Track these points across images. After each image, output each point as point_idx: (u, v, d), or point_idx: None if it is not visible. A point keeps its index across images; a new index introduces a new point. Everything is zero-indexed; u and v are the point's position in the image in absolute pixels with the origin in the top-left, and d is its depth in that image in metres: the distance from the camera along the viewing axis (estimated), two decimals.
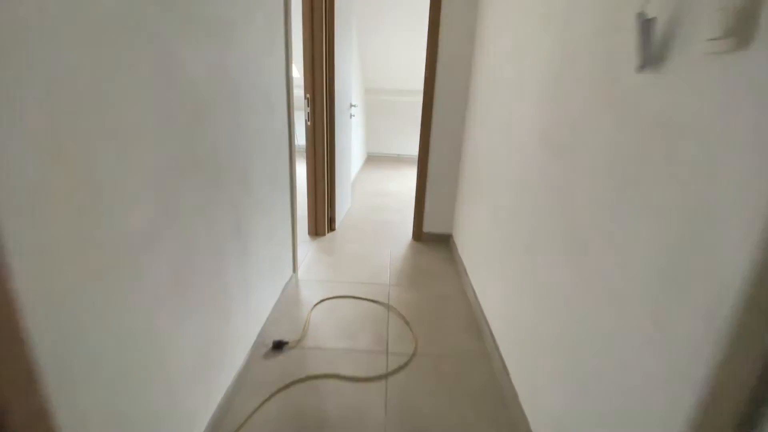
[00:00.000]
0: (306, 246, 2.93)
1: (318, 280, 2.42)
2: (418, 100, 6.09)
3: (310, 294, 2.25)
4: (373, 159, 6.55)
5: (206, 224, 1.20)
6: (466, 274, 2.41)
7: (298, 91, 5.76)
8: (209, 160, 1.20)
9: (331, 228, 3.30)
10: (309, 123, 2.88)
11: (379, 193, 4.47)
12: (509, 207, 1.68)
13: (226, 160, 1.32)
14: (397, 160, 6.59)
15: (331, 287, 2.33)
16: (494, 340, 1.77)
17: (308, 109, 2.83)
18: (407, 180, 5.17)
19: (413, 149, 6.60)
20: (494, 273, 1.86)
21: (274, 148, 1.84)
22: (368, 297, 2.23)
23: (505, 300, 1.68)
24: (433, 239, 3.15)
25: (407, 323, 1.99)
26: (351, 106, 3.56)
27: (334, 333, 1.90)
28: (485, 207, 2.09)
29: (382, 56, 5.45)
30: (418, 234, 3.15)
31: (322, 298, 2.19)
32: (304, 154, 2.99)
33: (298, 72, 5.15)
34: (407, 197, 4.33)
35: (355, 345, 1.82)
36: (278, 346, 1.76)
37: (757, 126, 0.58)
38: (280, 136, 1.92)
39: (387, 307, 2.14)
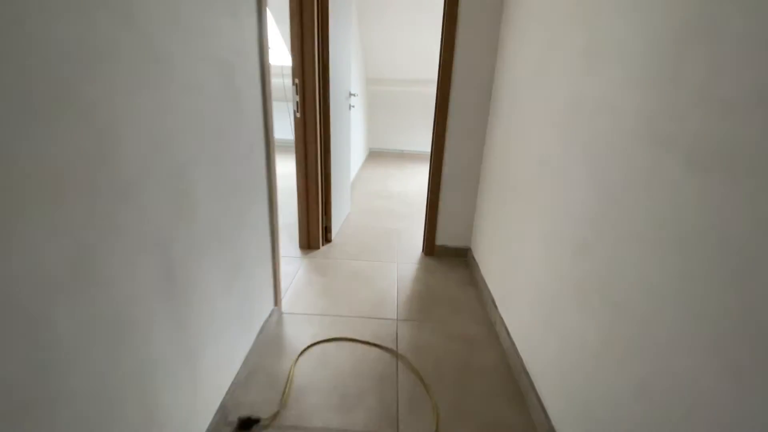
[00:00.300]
0: (296, 264, 2.42)
1: (307, 313, 1.92)
2: (425, 90, 5.56)
3: (295, 335, 1.74)
4: (374, 155, 6.03)
5: (84, 286, 0.70)
6: (495, 306, 1.90)
7: (285, 80, 5.18)
8: (94, 171, 0.69)
9: (327, 239, 2.79)
10: (298, 115, 2.37)
11: (382, 195, 3.95)
12: (578, 236, 1.17)
13: (139, 170, 0.81)
14: (400, 156, 6.06)
15: (324, 324, 1.83)
16: (546, 417, 1.27)
17: (297, 98, 2.31)
18: (413, 179, 4.65)
19: (418, 144, 6.08)
20: (545, 319, 1.35)
21: (242, 147, 1.32)
22: (371, 340, 1.73)
23: (567, 366, 1.17)
24: (447, 254, 2.64)
25: (423, 382, 1.49)
26: (350, 95, 3.04)
27: (324, 400, 1.39)
28: (526, 225, 1.57)
29: (386, 42, 4.90)
30: (430, 247, 2.64)
31: (310, 342, 1.69)
32: (294, 151, 2.48)
33: (286, 47, 4.62)
34: (413, 199, 3.82)
35: (353, 421, 1.32)
36: (246, 425, 1.26)
37: None
38: (251, 131, 1.40)
39: (396, 355, 1.64)
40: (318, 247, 2.67)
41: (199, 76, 1.02)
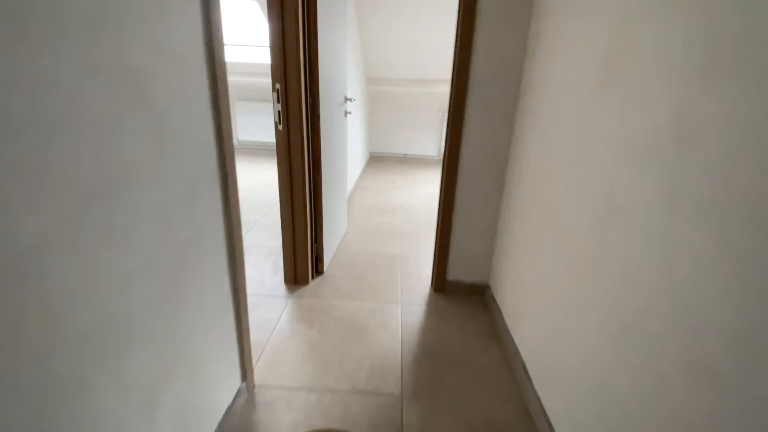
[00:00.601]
0: (279, 306, 2.00)
1: (287, 387, 1.49)
2: (431, 90, 5.11)
3: (269, 426, 1.32)
4: (375, 160, 5.60)
5: None
6: (527, 376, 1.48)
7: (264, 80, 4.66)
8: None
9: (318, 271, 2.37)
10: (281, 127, 1.94)
11: (383, 209, 3.52)
12: (697, 349, 0.75)
13: None
14: (403, 160, 5.62)
15: (307, 404, 1.41)
16: None
17: (278, 107, 1.89)
18: (417, 188, 4.21)
19: (422, 148, 5.64)
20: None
21: (170, 196, 0.90)
22: None
23: None
24: (461, 291, 2.21)
25: None
26: (346, 100, 2.61)
27: None
28: (581, 292, 1.14)
29: (388, 37, 4.45)
30: (441, 283, 2.22)
31: None
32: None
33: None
34: (419, 214, 3.39)
35: None
36: None
37: None
38: (192, 169, 0.98)
39: None
40: (307, 282, 2.25)
41: (75, 94, 0.59)
